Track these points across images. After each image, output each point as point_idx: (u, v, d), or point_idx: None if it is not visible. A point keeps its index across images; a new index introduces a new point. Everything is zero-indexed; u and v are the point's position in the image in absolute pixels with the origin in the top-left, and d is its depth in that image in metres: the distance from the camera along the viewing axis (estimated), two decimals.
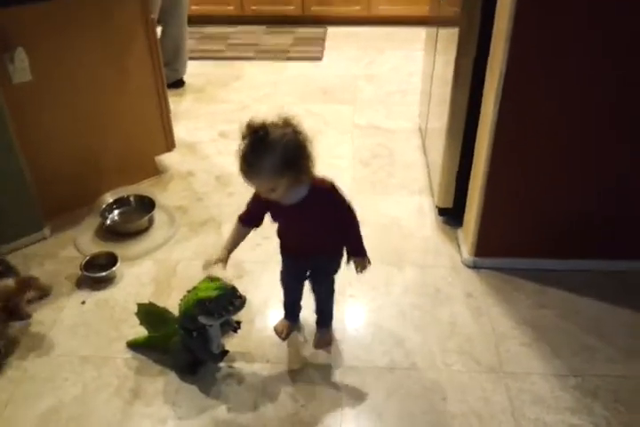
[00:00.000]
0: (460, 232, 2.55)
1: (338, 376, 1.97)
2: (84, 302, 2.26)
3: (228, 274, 1.97)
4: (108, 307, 2.25)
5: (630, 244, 2.32)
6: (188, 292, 1.87)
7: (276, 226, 1.86)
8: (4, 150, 2.33)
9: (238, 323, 2.05)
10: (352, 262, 1.86)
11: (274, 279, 2.09)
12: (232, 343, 2.05)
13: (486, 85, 2.15)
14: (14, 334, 2.11)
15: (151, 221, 2.69)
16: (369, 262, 1.86)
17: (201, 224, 2.70)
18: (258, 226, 1.85)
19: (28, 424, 1.83)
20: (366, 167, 3.11)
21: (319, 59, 4.47)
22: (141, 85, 2.76)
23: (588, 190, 2.19)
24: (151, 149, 2.99)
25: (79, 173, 2.68)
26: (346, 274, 1.97)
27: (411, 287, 2.33)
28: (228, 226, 2.54)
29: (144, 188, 2.93)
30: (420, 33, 3.64)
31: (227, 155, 3.20)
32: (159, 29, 3.65)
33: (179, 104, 3.74)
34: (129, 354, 2.05)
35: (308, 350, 2.06)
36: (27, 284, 2.14)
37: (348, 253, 1.87)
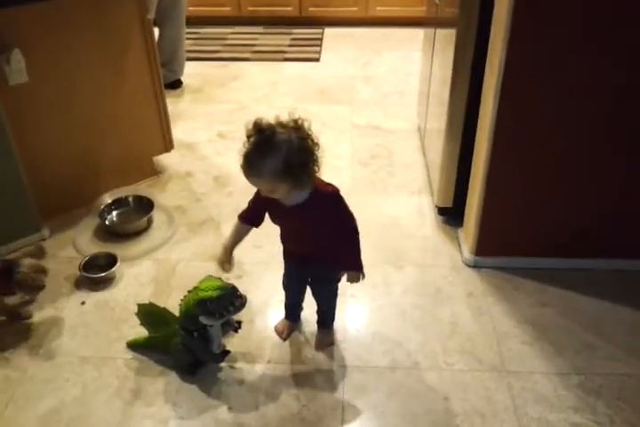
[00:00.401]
0: (461, 231, 2.55)
1: (339, 376, 1.96)
2: (83, 303, 2.25)
3: (228, 274, 1.96)
4: (108, 307, 2.24)
5: (630, 242, 2.33)
6: (189, 292, 1.87)
7: (277, 227, 1.85)
8: (1, 152, 2.32)
9: (239, 323, 2.04)
10: (346, 274, 1.84)
11: (274, 280, 2.08)
12: (233, 343, 2.05)
13: (485, 85, 2.15)
14: (13, 335, 2.11)
15: (150, 222, 2.68)
16: (363, 277, 1.83)
17: (200, 224, 2.69)
18: (257, 225, 1.85)
19: (29, 425, 1.82)
20: (365, 167, 3.11)
21: (317, 60, 4.48)
22: (139, 86, 2.75)
23: (587, 189, 2.19)
24: (149, 150, 2.98)
25: (77, 174, 2.67)
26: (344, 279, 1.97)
27: (411, 287, 2.32)
28: (227, 226, 2.54)
29: (142, 188, 2.92)
30: (417, 34, 3.64)
31: (225, 155, 3.20)
32: (157, 30, 3.65)
33: (176, 105, 3.74)
34: (129, 354, 2.04)
35: (309, 350, 2.06)
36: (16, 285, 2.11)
37: (342, 265, 1.84)
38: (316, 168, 1.62)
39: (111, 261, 2.38)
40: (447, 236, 2.60)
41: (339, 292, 2.03)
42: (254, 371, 1.98)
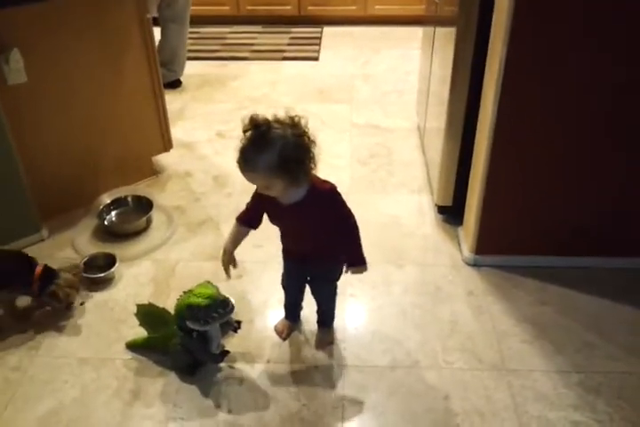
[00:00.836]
0: (461, 230, 2.55)
1: (339, 376, 1.96)
2: (82, 304, 2.24)
3: (230, 279, 1.96)
4: (107, 308, 2.23)
5: (629, 240, 2.32)
6: (184, 293, 1.86)
7: (276, 227, 1.85)
8: (0, 152, 2.31)
9: (239, 322, 2.04)
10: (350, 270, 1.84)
11: (274, 279, 2.08)
12: (232, 344, 2.04)
13: (485, 83, 2.14)
14: (12, 336, 2.11)
15: (149, 222, 2.68)
16: (366, 269, 1.83)
17: (199, 224, 2.68)
18: (255, 227, 1.84)
19: None
20: (365, 166, 3.11)
21: (316, 59, 4.47)
22: (138, 86, 2.75)
23: (587, 186, 2.19)
24: (148, 150, 2.98)
25: (76, 174, 2.67)
26: (346, 274, 1.96)
27: (411, 286, 2.32)
28: (227, 226, 2.54)
29: (141, 188, 2.92)
30: (416, 32, 3.64)
31: (224, 155, 3.20)
32: (159, 30, 3.65)
33: (176, 104, 3.74)
34: (128, 355, 2.04)
35: (309, 350, 2.05)
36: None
37: (346, 261, 1.84)
38: (313, 165, 1.62)
39: (110, 261, 2.38)
40: (447, 234, 2.59)
41: (338, 291, 2.02)
42: (254, 371, 1.97)
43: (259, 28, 5.02)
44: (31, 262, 2.11)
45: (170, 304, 2.03)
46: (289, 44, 4.71)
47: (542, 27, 1.86)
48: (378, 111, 3.66)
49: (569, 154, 2.11)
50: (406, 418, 1.81)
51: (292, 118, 1.58)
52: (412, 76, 3.72)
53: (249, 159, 1.56)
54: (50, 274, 2.10)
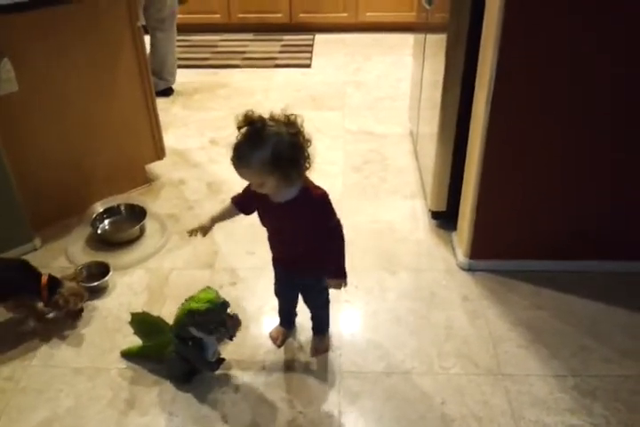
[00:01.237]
0: (455, 235, 2.55)
1: (335, 382, 1.95)
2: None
3: (222, 281, 1.95)
4: (101, 317, 2.22)
5: (624, 245, 2.33)
6: (186, 300, 1.85)
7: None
8: None
9: (235, 316, 1.96)
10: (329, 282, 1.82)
11: (268, 286, 2.07)
12: (227, 351, 2.03)
13: (477, 89, 2.15)
14: (5, 345, 2.09)
15: (142, 230, 2.67)
16: (345, 285, 1.81)
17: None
18: (247, 213, 1.83)
19: None
20: (358, 172, 3.11)
21: (308, 66, 4.48)
22: (130, 94, 2.75)
23: (582, 192, 2.19)
24: (141, 158, 2.98)
25: (69, 183, 2.66)
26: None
27: (406, 291, 2.32)
28: (221, 234, 2.54)
29: (135, 196, 2.91)
30: (407, 39, 3.66)
31: (218, 162, 3.20)
32: (148, 39, 3.65)
33: (168, 112, 3.74)
34: (123, 364, 2.02)
35: (304, 357, 2.05)
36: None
37: (327, 272, 1.80)
38: (307, 165, 1.61)
39: (104, 270, 2.37)
40: (441, 240, 2.59)
41: (333, 297, 2.02)
42: (249, 378, 1.96)
43: (250, 36, 5.03)
44: (36, 271, 2.12)
45: (164, 313, 2.03)
46: (281, 52, 4.72)
47: (532, 33, 1.88)
48: (370, 118, 3.67)
49: (562, 157, 2.12)
50: (402, 424, 1.81)
51: (287, 117, 1.58)
52: (404, 82, 3.73)
53: (242, 155, 1.55)
54: (53, 283, 2.11)
